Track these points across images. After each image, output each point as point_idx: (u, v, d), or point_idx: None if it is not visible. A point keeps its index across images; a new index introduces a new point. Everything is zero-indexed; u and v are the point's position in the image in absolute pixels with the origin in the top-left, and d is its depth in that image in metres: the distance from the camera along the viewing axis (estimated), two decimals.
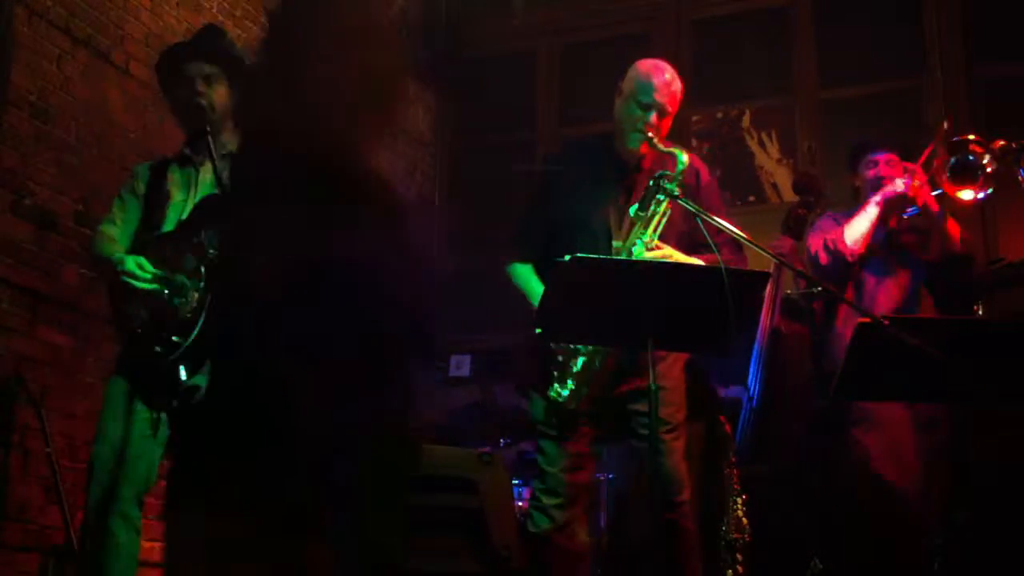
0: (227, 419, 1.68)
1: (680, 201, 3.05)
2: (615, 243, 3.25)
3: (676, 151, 3.22)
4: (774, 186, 6.43)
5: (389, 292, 1.75)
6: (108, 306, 3.30)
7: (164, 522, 1.73)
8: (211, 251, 3.14)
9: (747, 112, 6.59)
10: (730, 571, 3.75)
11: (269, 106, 1.82)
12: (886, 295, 3.97)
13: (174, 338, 3.10)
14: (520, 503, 4.06)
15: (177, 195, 3.32)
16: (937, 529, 3.72)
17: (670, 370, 3.32)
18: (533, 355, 3.31)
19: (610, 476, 4.39)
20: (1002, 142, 3.82)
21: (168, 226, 3.26)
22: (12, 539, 4.03)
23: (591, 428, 3.30)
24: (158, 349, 3.11)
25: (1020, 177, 3.82)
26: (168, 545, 1.76)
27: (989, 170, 3.87)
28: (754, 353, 4.31)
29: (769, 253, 3.07)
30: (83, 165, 4.51)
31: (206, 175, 3.28)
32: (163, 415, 3.16)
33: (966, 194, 3.89)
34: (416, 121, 6.72)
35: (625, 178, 3.39)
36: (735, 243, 3.19)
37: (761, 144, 6.52)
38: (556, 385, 3.21)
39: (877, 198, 3.95)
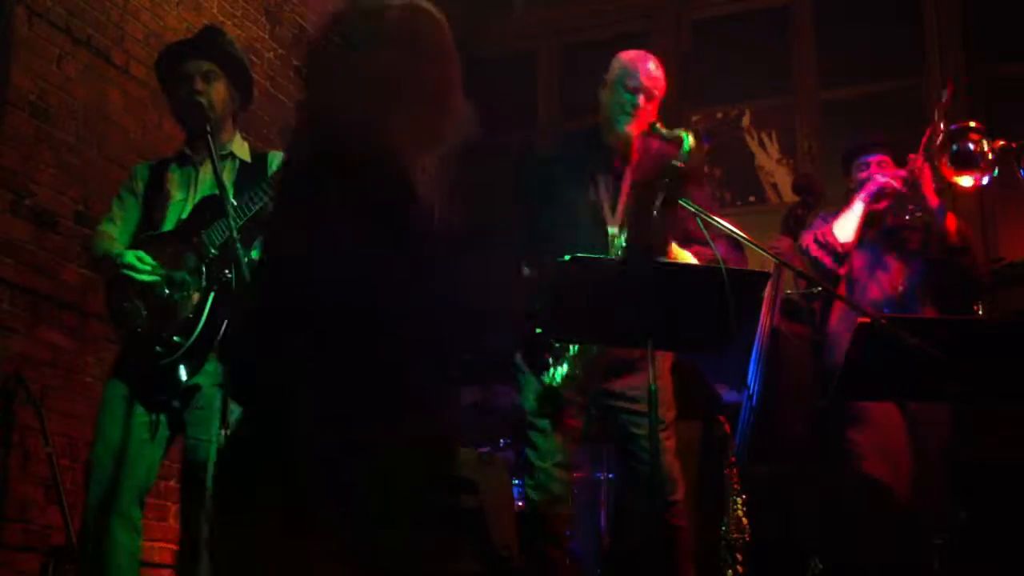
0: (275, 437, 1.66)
1: (681, 202, 3.06)
2: (610, 229, 3.25)
3: (682, 133, 3.26)
4: (774, 186, 6.43)
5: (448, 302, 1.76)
6: (105, 307, 3.30)
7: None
8: (212, 251, 3.14)
9: (747, 112, 6.59)
10: (730, 571, 3.75)
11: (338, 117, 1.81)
12: (878, 290, 3.98)
13: (175, 338, 3.10)
14: (520, 503, 4.07)
15: (177, 194, 3.32)
16: (937, 529, 3.71)
17: (660, 368, 3.33)
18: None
19: (610, 476, 4.40)
20: (1002, 142, 3.81)
21: (168, 225, 3.26)
22: (12, 539, 4.03)
23: (580, 422, 3.29)
24: (159, 349, 3.11)
25: (1021, 176, 3.82)
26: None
27: (990, 156, 3.87)
28: (754, 353, 4.31)
29: (769, 253, 3.07)
30: (83, 165, 4.51)
31: (206, 174, 3.28)
32: (162, 417, 3.16)
33: (966, 180, 3.89)
34: None
35: (613, 165, 3.40)
36: (731, 238, 3.20)
37: (761, 144, 6.52)
38: (552, 369, 3.20)
39: (863, 195, 3.99)
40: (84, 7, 4.57)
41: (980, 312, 4.38)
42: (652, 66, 3.40)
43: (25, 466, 4.10)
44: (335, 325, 1.69)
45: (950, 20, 6.07)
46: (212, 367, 3.09)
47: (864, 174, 4.11)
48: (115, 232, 3.31)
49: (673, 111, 6.31)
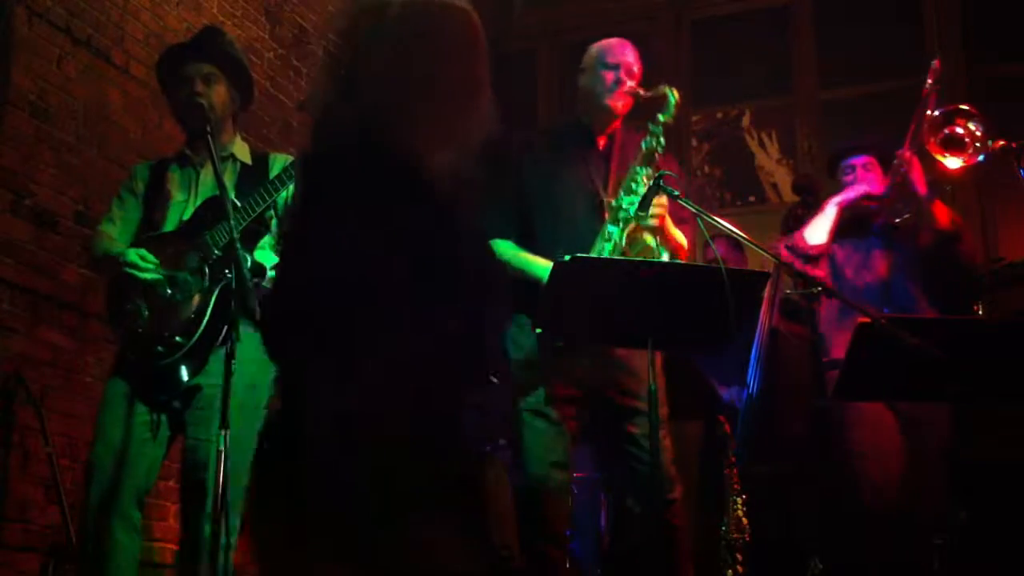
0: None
1: (681, 201, 3.06)
2: (612, 202, 3.26)
3: (665, 89, 3.30)
4: (774, 186, 6.44)
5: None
6: (105, 307, 3.29)
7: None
8: (216, 251, 3.14)
9: (747, 112, 6.59)
10: (730, 571, 3.76)
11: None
12: (862, 279, 3.97)
13: (177, 338, 3.10)
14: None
15: (178, 195, 3.32)
16: (937, 529, 3.71)
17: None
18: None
19: (605, 475, 4.39)
20: (1002, 142, 3.81)
21: (168, 226, 3.26)
22: (12, 539, 4.03)
23: (577, 419, 3.28)
24: (160, 349, 3.11)
25: (1021, 176, 3.81)
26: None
27: (978, 144, 3.86)
28: (753, 353, 4.31)
29: (768, 253, 3.07)
30: (83, 165, 4.51)
31: (207, 176, 3.28)
32: (163, 416, 3.16)
33: (952, 162, 3.89)
34: None
35: (598, 148, 3.44)
36: (732, 238, 3.22)
37: (761, 144, 6.53)
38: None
39: (838, 199, 3.99)
40: (84, 7, 4.57)
41: (980, 312, 4.38)
42: (628, 48, 3.47)
43: (25, 466, 4.10)
44: (336, 325, 1.69)
45: (950, 20, 6.07)
46: (213, 367, 3.09)
47: (850, 177, 4.11)
48: (115, 232, 3.31)
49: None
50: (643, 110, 3.41)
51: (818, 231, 3.95)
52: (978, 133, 3.87)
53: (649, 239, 3.18)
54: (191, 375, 3.12)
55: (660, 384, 3.33)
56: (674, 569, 3.20)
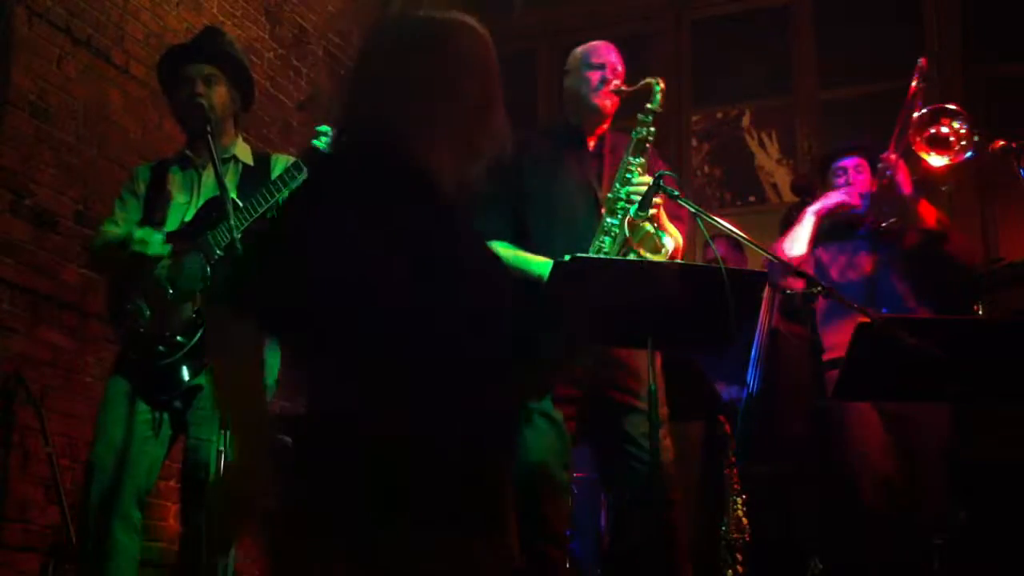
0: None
1: (681, 201, 3.06)
2: (608, 195, 3.26)
3: (648, 81, 3.33)
4: (774, 186, 6.44)
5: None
6: (105, 307, 3.29)
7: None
8: (217, 252, 3.14)
9: (747, 112, 6.59)
10: (730, 571, 3.76)
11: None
12: (846, 276, 3.97)
13: (178, 338, 3.11)
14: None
15: (179, 196, 3.32)
16: (937, 529, 3.71)
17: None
18: None
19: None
20: (1001, 142, 3.81)
21: (170, 226, 3.26)
22: (12, 539, 4.04)
23: (577, 419, 3.28)
24: (161, 348, 3.11)
25: (1021, 176, 3.81)
26: None
27: (964, 142, 3.87)
28: (753, 353, 4.31)
29: (768, 253, 3.08)
30: (83, 165, 4.51)
31: (209, 178, 3.28)
32: (165, 415, 3.16)
33: (936, 160, 3.89)
34: None
35: (588, 148, 3.45)
36: (732, 238, 3.22)
37: (761, 144, 6.53)
38: None
39: (815, 207, 3.99)
40: (84, 7, 4.57)
41: (980, 312, 4.38)
42: (612, 49, 3.49)
43: (25, 466, 4.10)
44: (336, 325, 1.69)
45: (950, 20, 6.07)
46: None
47: (841, 179, 4.11)
48: (117, 232, 3.31)
49: (673, 111, 6.34)
50: (632, 112, 3.42)
51: (798, 242, 3.94)
52: (963, 132, 3.88)
53: (647, 225, 3.20)
54: (192, 375, 3.13)
55: (660, 384, 3.34)
56: (673, 569, 3.20)
